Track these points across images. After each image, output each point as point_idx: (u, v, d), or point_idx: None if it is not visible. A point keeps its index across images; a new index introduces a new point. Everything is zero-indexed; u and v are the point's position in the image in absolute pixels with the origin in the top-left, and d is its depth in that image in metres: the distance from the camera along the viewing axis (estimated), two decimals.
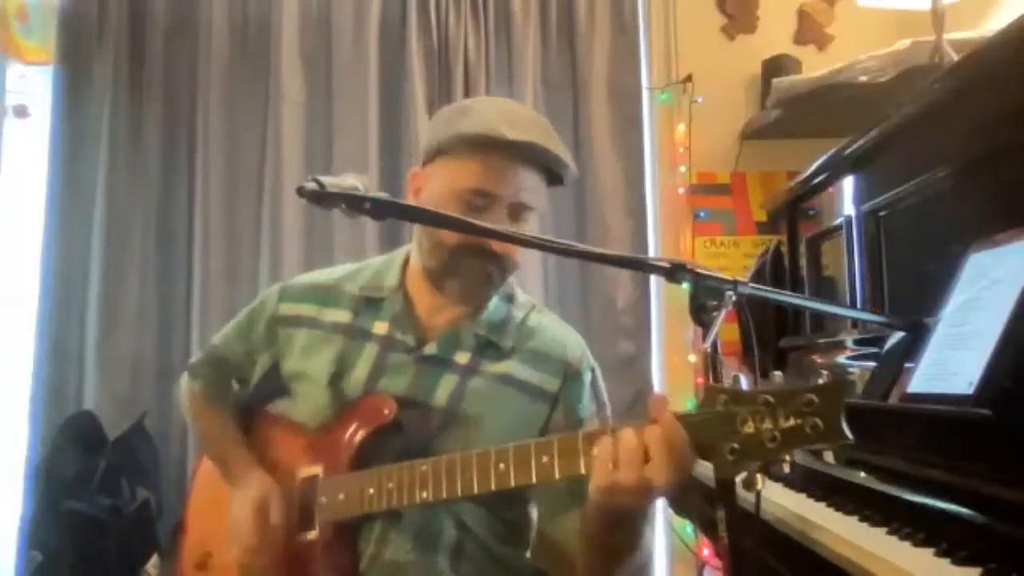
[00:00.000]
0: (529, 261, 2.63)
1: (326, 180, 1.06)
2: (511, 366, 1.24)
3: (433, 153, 1.22)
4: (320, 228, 2.64)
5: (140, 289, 2.64)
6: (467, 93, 2.68)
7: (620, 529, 1.02)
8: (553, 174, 1.23)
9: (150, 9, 2.73)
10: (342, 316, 1.29)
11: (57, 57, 2.68)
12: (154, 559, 2.27)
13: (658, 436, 0.88)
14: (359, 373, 1.23)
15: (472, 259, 1.18)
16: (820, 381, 0.85)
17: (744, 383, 0.89)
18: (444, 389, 1.21)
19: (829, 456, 1.33)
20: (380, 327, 1.26)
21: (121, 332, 2.60)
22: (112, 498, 2.27)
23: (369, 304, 1.28)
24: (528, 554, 1.31)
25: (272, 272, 2.54)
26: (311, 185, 1.04)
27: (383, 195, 1.12)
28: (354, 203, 1.06)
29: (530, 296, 1.36)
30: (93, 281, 2.61)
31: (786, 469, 0.84)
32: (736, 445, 0.83)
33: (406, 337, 1.24)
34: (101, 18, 2.70)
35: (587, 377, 1.28)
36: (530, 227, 1.21)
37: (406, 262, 1.30)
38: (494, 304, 1.27)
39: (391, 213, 1.13)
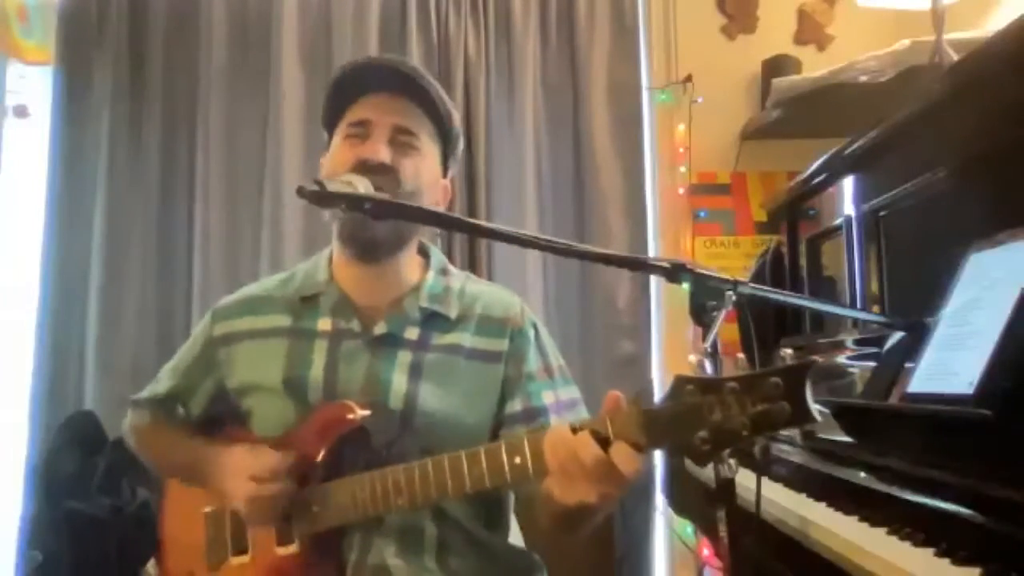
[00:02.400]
0: (529, 261, 2.63)
1: (326, 181, 1.07)
2: (460, 336, 1.25)
3: (327, 130, 1.29)
4: (320, 228, 2.64)
5: (140, 289, 2.64)
6: (467, 93, 2.68)
7: (578, 515, 1.02)
8: (433, 112, 1.26)
9: (150, 9, 2.73)
10: (281, 320, 1.28)
11: (57, 57, 2.68)
12: (154, 559, 2.27)
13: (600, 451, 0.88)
14: (315, 371, 1.22)
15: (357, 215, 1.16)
16: (787, 363, 0.85)
17: (708, 369, 0.89)
18: (401, 367, 1.21)
19: (829, 456, 1.33)
20: (324, 323, 1.25)
21: (121, 332, 2.60)
22: (112, 498, 2.27)
23: (306, 304, 1.28)
24: (509, 534, 1.33)
25: (272, 272, 2.54)
26: (311, 185, 1.04)
27: (383, 195, 1.12)
28: (354, 203, 1.07)
29: (460, 270, 1.38)
30: (93, 281, 2.61)
31: (757, 454, 0.84)
32: (706, 434, 0.83)
33: (351, 324, 1.24)
34: (101, 18, 2.70)
35: (530, 333, 1.29)
36: (423, 165, 1.23)
37: (330, 259, 1.31)
38: (432, 278, 1.29)
39: (391, 213, 1.13)
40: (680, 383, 0.86)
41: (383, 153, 1.19)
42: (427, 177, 1.24)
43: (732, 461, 0.85)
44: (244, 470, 1.15)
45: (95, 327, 2.59)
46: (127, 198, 2.66)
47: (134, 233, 2.65)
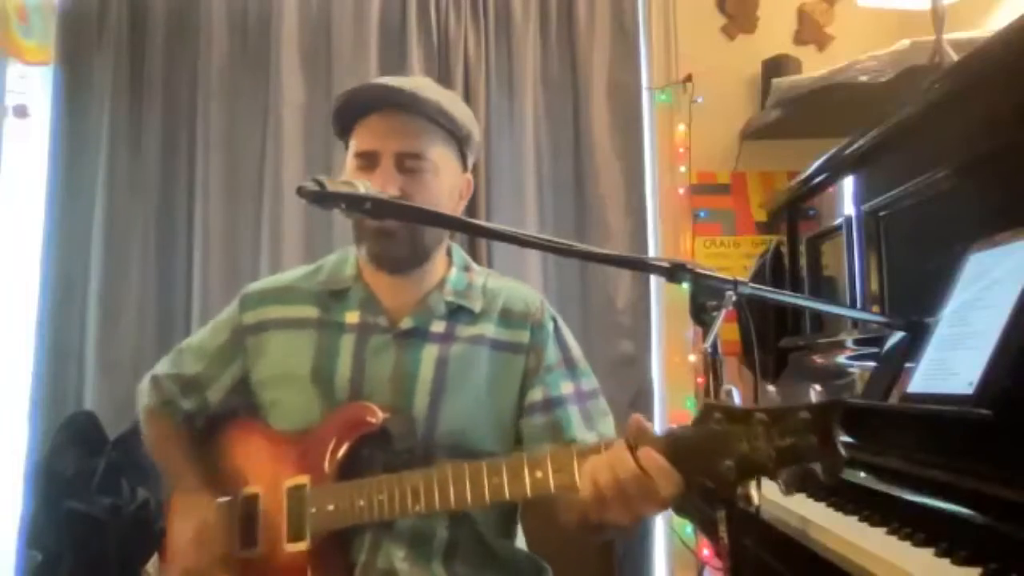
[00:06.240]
0: (529, 261, 2.63)
1: (326, 180, 1.07)
2: (484, 327, 1.27)
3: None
4: (320, 228, 2.64)
5: (140, 289, 2.64)
6: (467, 93, 2.68)
7: (609, 530, 1.03)
8: (446, 126, 1.24)
9: (150, 9, 2.73)
10: (309, 312, 1.29)
11: (57, 57, 2.68)
12: (154, 559, 2.26)
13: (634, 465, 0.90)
14: (343, 364, 1.24)
15: (383, 236, 1.20)
16: (815, 399, 0.85)
17: (737, 398, 0.89)
18: (428, 361, 1.23)
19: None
20: (352, 316, 1.27)
21: (121, 332, 2.60)
22: (112, 498, 2.26)
23: (334, 297, 1.29)
24: (519, 538, 1.34)
25: (272, 272, 2.54)
26: (311, 185, 1.04)
27: (383, 195, 1.13)
28: (354, 203, 1.07)
29: (481, 267, 1.40)
30: (93, 281, 2.61)
31: (781, 488, 0.84)
32: (732, 463, 0.83)
33: (378, 319, 1.26)
34: (101, 18, 2.70)
35: (550, 327, 1.31)
36: (436, 181, 1.22)
37: (358, 257, 1.31)
38: (455, 274, 1.31)
39: (391, 213, 1.14)
40: (708, 410, 0.86)
41: (392, 186, 1.18)
42: (444, 189, 1.24)
43: (755, 492, 0.84)
44: (195, 543, 1.21)
45: (95, 327, 2.59)
46: (127, 198, 2.66)
47: (134, 233, 2.65)
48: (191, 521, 1.23)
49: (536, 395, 1.25)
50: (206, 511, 1.23)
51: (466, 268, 1.34)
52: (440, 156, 1.24)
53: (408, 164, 1.21)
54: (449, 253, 1.35)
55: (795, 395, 1.71)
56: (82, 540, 2.21)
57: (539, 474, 0.98)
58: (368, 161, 1.21)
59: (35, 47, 2.65)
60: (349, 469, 1.16)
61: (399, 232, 1.19)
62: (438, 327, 1.26)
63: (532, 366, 1.27)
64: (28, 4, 2.63)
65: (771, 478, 0.83)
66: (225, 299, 1.41)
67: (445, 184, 1.25)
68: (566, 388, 1.27)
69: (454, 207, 1.27)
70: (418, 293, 1.28)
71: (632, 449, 0.90)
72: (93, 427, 2.40)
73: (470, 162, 1.33)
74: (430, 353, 1.24)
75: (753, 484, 0.84)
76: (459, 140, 1.28)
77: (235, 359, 1.34)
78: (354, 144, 1.24)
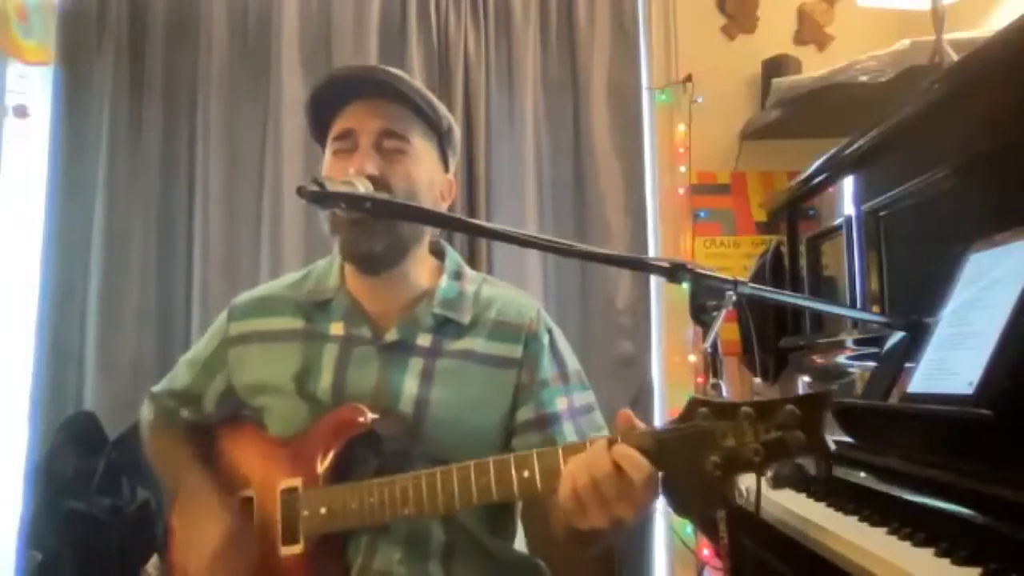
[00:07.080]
0: (529, 261, 2.63)
1: (326, 180, 1.07)
2: (473, 341, 1.24)
3: (319, 144, 1.28)
4: (320, 228, 2.64)
5: (140, 289, 2.64)
6: (467, 93, 2.68)
7: (593, 540, 1.02)
8: (419, 110, 1.23)
9: (150, 9, 2.73)
10: (295, 323, 1.28)
11: (57, 57, 2.68)
12: (154, 559, 2.26)
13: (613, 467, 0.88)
14: (325, 374, 1.22)
15: (355, 228, 1.18)
16: (804, 391, 0.84)
17: (724, 391, 0.88)
18: (412, 375, 1.20)
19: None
20: (336, 328, 1.25)
21: (121, 332, 2.60)
22: (112, 498, 2.27)
23: (318, 308, 1.28)
24: (516, 541, 1.33)
25: (272, 272, 2.54)
26: (311, 185, 1.04)
27: (383, 195, 1.12)
28: (354, 203, 1.06)
29: (477, 272, 1.36)
30: (93, 281, 2.61)
31: (769, 483, 0.83)
32: (718, 459, 0.82)
33: (362, 331, 1.24)
34: (101, 18, 2.70)
35: (545, 339, 1.27)
36: (416, 168, 1.21)
37: (343, 264, 1.30)
38: (445, 283, 1.27)
39: (391, 213, 1.14)
40: (693, 406, 0.85)
41: (370, 165, 1.16)
42: (423, 178, 1.22)
43: (743, 488, 0.84)
44: (207, 545, 1.17)
45: (95, 327, 2.59)
46: (127, 198, 2.66)
47: (134, 233, 2.65)
48: (205, 533, 1.19)
49: (529, 412, 1.22)
50: (217, 521, 1.20)
51: (458, 275, 1.30)
52: (421, 145, 1.23)
53: (387, 144, 1.19)
54: (442, 257, 1.32)
55: (793, 394, 1.71)
56: (82, 540, 2.21)
57: (526, 474, 0.97)
58: (345, 143, 1.20)
59: (35, 47, 2.65)
60: (340, 471, 1.16)
61: (375, 221, 1.15)
62: (424, 340, 1.23)
63: (525, 381, 1.23)
64: (28, 4, 2.63)
65: (758, 473, 0.82)
66: (225, 299, 1.41)
67: (424, 173, 1.22)
68: (560, 404, 1.23)
69: (433, 203, 1.24)
70: (402, 298, 1.25)
71: (612, 445, 0.89)
72: (93, 427, 2.40)
73: (451, 163, 1.32)
74: (415, 366, 1.21)
75: (743, 479, 0.83)
76: (440, 136, 1.27)
77: (220, 370, 1.33)
78: (334, 128, 1.22)
